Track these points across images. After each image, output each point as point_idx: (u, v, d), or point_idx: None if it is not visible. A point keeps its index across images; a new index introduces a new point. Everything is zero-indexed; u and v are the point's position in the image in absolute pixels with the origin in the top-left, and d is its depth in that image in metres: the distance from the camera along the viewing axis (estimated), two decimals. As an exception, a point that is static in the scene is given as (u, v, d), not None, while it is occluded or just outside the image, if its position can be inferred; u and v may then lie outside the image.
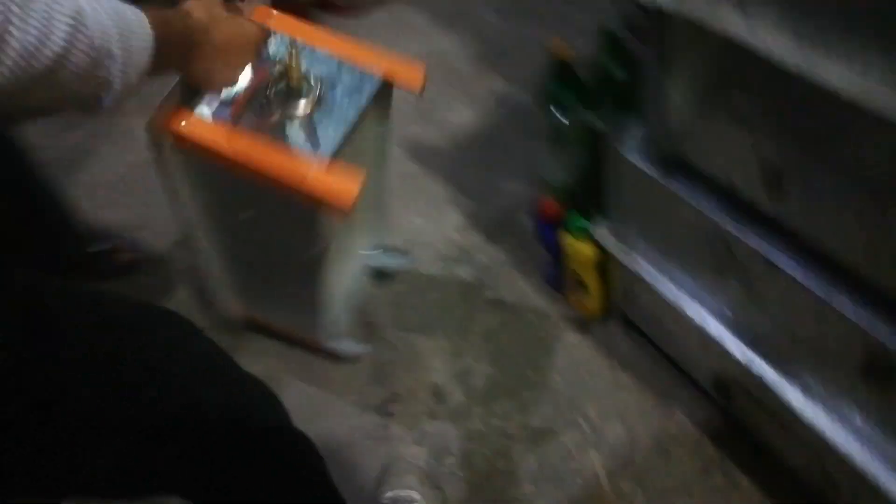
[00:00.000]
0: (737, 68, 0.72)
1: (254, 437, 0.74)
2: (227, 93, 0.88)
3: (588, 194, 1.20)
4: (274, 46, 0.94)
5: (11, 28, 0.44)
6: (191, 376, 0.69)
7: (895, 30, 0.54)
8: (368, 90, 0.95)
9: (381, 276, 1.45)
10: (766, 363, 0.91)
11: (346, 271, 1.28)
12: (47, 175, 1.40)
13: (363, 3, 2.23)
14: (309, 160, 0.86)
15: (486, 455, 1.21)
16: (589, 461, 1.18)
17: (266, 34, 0.88)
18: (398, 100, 1.61)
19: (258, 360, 1.33)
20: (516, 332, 1.38)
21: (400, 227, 1.58)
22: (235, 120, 0.89)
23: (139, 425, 0.64)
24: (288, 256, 1.07)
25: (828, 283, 0.76)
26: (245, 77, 0.88)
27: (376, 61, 0.98)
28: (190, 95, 0.88)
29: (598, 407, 1.25)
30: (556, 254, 1.33)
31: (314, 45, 0.99)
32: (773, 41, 0.62)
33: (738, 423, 1.12)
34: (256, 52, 0.84)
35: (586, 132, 1.17)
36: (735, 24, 0.64)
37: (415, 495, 1.12)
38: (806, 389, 0.86)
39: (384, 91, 1.03)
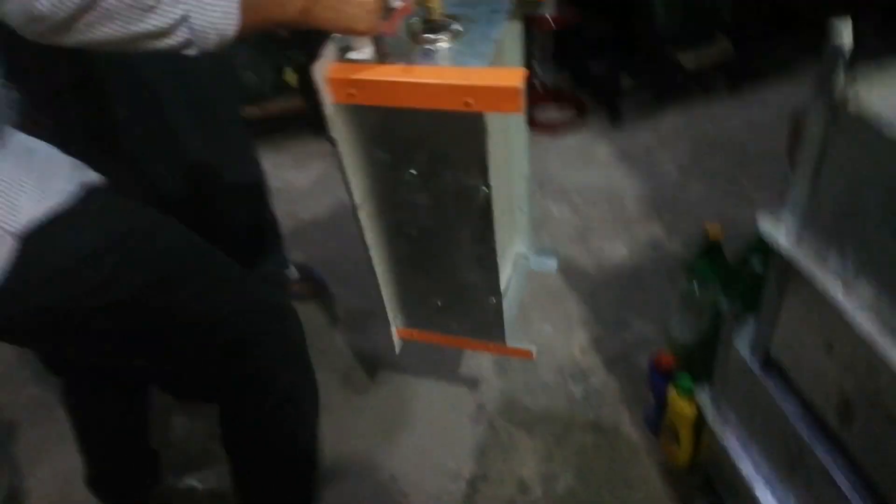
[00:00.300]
0: (829, 325, 0.87)
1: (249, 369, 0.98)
2: (370, 30, 0.86)
3: (701, 361, 1.35)
4: None
5: None
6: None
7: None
8: (501, 11, 0.98)
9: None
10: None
11: (502, 268, 1.22)
12: (271, 201, 1.77)
13: (560, 126, 2.52)
14: (468, 68, 0.88)
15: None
16: None
17: None
18: (563, 224, 1.86)
19: (383, 404, 1.59)
20: (606, 456, 1.53)
21: (531, 331, 1.79)
22: (383, 59, 0.91)
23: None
24: (453, 215, 1.04)
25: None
26: (386, 14, 0.88)
27: None
28: (343, 48, 0.91)
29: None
30: (661, 401, 1.47)
31: None
32: (864, 317, 0.78)
33: None
34: None
35: (713, 309, 1.34)
36: (834, 291, 0.81)
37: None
38: None
39: (515, 22, 1.09)
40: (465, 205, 0.99)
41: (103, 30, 0.64)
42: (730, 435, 1.22)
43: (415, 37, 0.93)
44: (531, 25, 2.39)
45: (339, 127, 0.94)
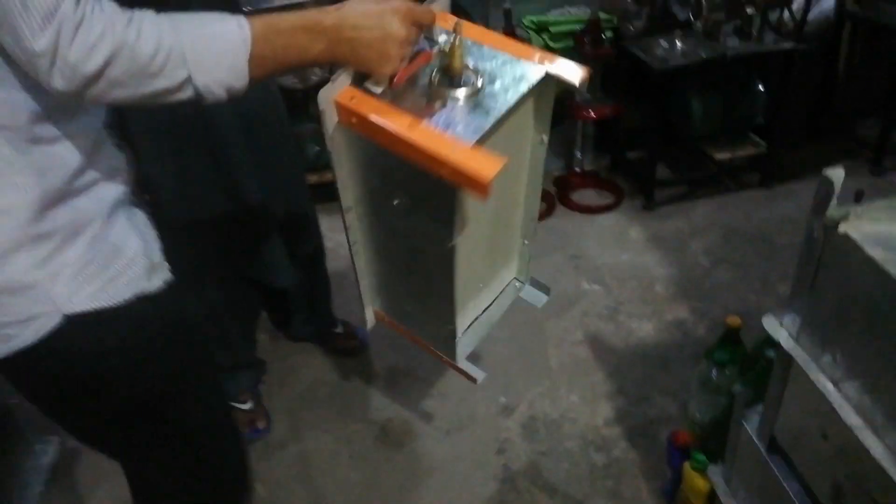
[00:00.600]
0: (823, 415, 0.99)
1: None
2: (391, 67, 0.88)
3: (715, 440, 1.47)
4: (443, 35, 0.94)
5: (64, 50, 0.68)
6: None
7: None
8: (528, 83, 0.94)
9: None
10: None
11: (484, 291, 1.28)
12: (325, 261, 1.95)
13: (597, 209, 2.69)
14: (455, 140, 0.86)
15: None
16: None
17: (420, 13, 0.88)
18: (595, 301, 2.00)
19: (414, 458, 1.71)
20: (622, 524, 1.63)
21: (558, 399, 1.92)
22: (395, 98, 0.91)
23: None
24: (425, 249, 1.06)
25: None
26: (410, 52, 0.89)
27: (539, 56, 0.96)
28: (360, 75, 0.91)
29: None
30: (677, 476, 1.58)
31: (482, 42, 0.99)
32: (850, 412, 0.91)
33: None
34: (406, 27, 0.85)
35: (729, 393, 1.46)
36: (826, 387, 0.94)
37: None
38: None
39: (545, 92, 1.03)
40: (433, 249, 1.01)
41: (115, 94, 0.73)
42: (738, 511, 1.32)
43: (432, 85, 0.93)
44: (575, 115, 2.59)
45: (338, 142, 0.97)
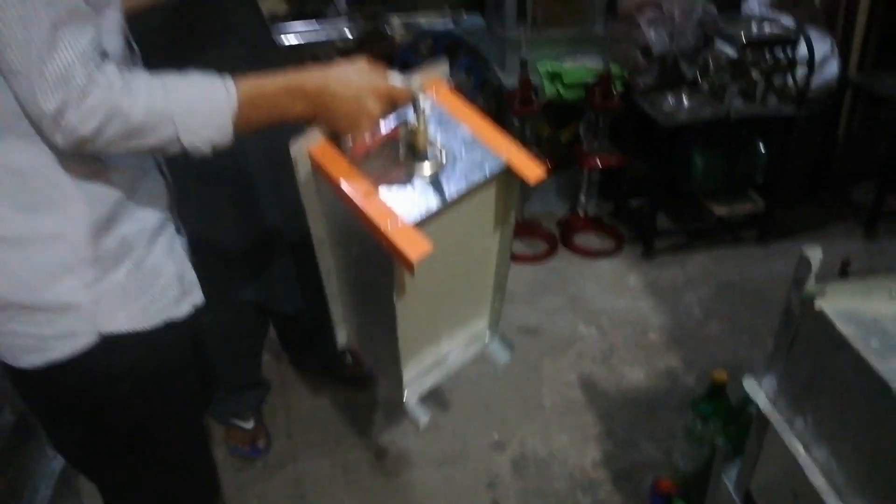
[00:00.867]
0: (794, 476, 1.06)
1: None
2: (359, 136, 0.95)
3: (696, 489, 1.53)
4: (413, 113, 0.98)
5: (68, 114, 0.75)
6: None
7: None
8: (487, 171, 0.99)
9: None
10: None
11: (444, 339, 1.30)
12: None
13: (597, 253, 2.78)
14: (399, 216, 0.92)
15: None
16: None
17: (397, 94, 0.95)
18: (590, 343, 2.06)
19: (408, 487, 1.77)
20: (603, 565, 1.68)
21: (549, 438, 1.98)
22: (358, 160, 0.98)
23: None
24: (376, 296, 1.12)
25: None
26: (378, 127, 0.97)
27: (505, 148, 1.02)
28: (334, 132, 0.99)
29: None
30: (658, 521, 1.64)
31: (457, 117, 1.05)
32: (817, 475, 0.98)
33: None
34: (380, 105, 0.94)
35: (711, 445, 1.52)
36: (797, 449, 1.02)
37: None
38: None
39: (506, 181, 1.08)
40: (381, 297, 1.06)
41: (109, 149, 0.81)
42: (713, 560, 1.38)
43: (398, 156, 0.99)
44: (582, 163, 2.69)
45: (306, 187, 1.04)
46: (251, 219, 1.64)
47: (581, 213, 2.88)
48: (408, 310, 1.07)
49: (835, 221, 2.95)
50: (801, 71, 2.52)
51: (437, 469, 1.91)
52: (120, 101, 0.78)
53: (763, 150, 2.65)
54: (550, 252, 2.78)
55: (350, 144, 0.97)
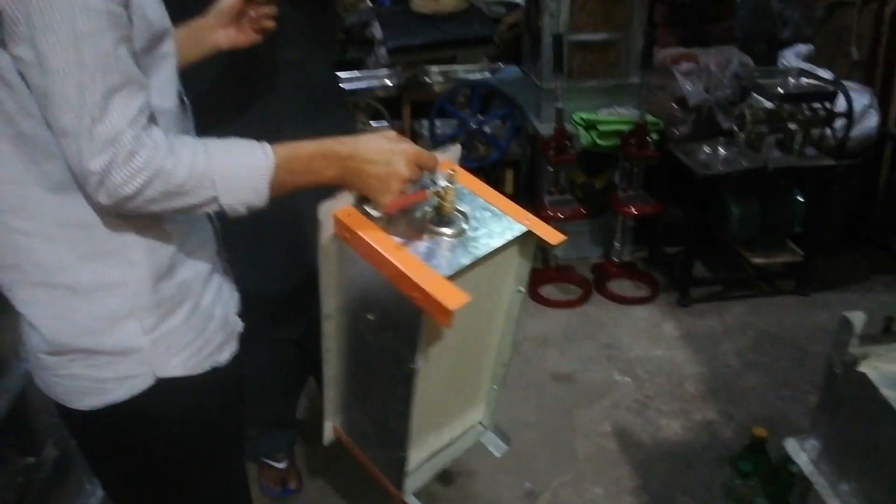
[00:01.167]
0: None
1: None
2: (390, 197, 0.97)
3: (735, 549, 1.50)
4: (443, 180, 1.02)
5: (113, 173, 0.78)
6: None
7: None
8: (508, 236, 1.04)
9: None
10: None
11: (445, 428, 1.30)
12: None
13: (632, 300, 2.77)
14: (432, 270, 0.95)
15: None
16: None
17: (426, 159, 0.99)
18: (625, 393, 2.05)
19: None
20: None
21: (582, 490, 1.96)
22: (388, 224, 1.01)
23: None
24: (389, 367, 1.11)
25: None
26: (406, 192, 0.99)
27: (524, 216, 1.08)
28: (362, 197, 1.01)
29: None
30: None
31: (476, 193, 1.11)
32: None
33: None
34: (410, 168, 0.96)
35: (749, 503, 1.49)
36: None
37: None
38: None
39: (525, 247, 1.13)
40: (397, 368, 1.07)
41: (149, 208, 0.83)
42: None
43: (424, 219, 1.03)
44: (618, 211, 2.70)
45: (327, 252, 1.05)
46: (297, 260, 1.67)
47: (615, 259, 2.88)
48: (423, 383, 1.07)
49: (876, 272, 2.91)
50: (839, 122, 2.52)
51: (467, 517, 1.90)
52: (164, 163, 0.81)
53: (801, 200, 2.64)
54: (584, 298, 2.78)
55: (378, 210, 1.00)
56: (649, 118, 2.62)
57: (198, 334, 0.99)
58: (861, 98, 2.61)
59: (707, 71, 2.57)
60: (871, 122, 2.68)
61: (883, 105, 2.76)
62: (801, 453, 1.09)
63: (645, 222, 2.91)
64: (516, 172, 3.12)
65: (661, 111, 2.67)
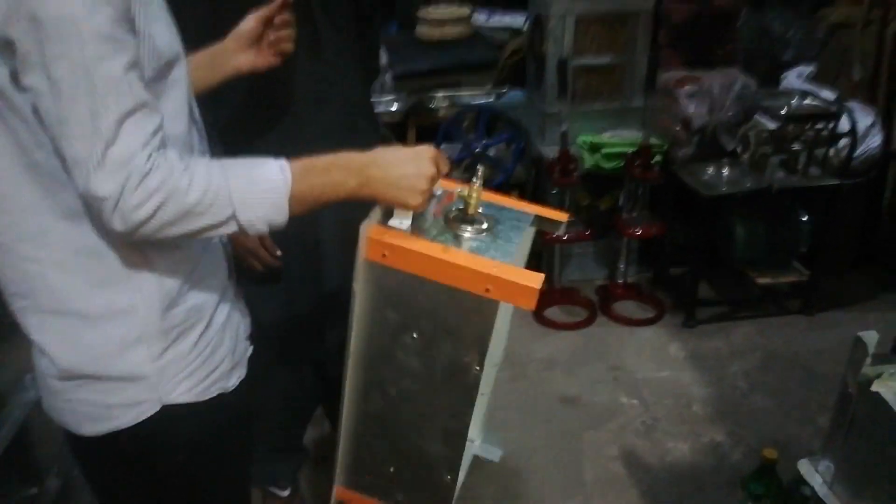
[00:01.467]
0: None
1: None
2: (417, 206, 0.95)
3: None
4: (439, 189, 1.03)
5: (126, 197, 0.77)
6: None
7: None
8: (527, 220, 1.10)
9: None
10: None
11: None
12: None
13: (637, 321, 2.76)
14: (494, 260, 0.95)
15: None
16: None
17: (443, 161, 0.98)
18: (632, 415, 2.02)
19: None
20: None
21: (593, 515, 1.94)
22: (418, 231, 0.99)
23: None
24: (437, 387, 1.07)
25: None
26: (433, 198, 0.99)
27: (528, 206, 1.14)
28: (387, 215, 0.99)
29: None
30: None
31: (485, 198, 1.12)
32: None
33: None
34: (435, 166, 0.94)
35: (763, 527, 1.47)
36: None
37: None
38: None
39: (537, 231, 1.18)
40: (454, 379, 1.03)
41: (164, 232, 0.82)
42: None
43: (449, 223, 1.02)
44: (622, 232, 2.71)
45: (361, 280, 1.01)
46: (314, 283, 1.67)
47: (620, 281, 2.87)
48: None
49: (882, 291, 2.89)
50: (843, 142, 2.53)
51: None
52: (179, 182, 0.80)
53: (806, 220, 2.64)
54: (590, 320, 2.77)
55: (405, 221, 0.97)
56: (653, 140, 2.63)
57: (205, 360, 0.99)
58: (865, 118, 2.62)
59: (710, 93, 2.59)
60: (875, 141, 2.69)
61: (886, 124, 2.77)
62: (816, 475, 1.08)
63: (650, 243, 2.91)
64: (521, 195, 3.13)
65: (666, 133, 2.68)
